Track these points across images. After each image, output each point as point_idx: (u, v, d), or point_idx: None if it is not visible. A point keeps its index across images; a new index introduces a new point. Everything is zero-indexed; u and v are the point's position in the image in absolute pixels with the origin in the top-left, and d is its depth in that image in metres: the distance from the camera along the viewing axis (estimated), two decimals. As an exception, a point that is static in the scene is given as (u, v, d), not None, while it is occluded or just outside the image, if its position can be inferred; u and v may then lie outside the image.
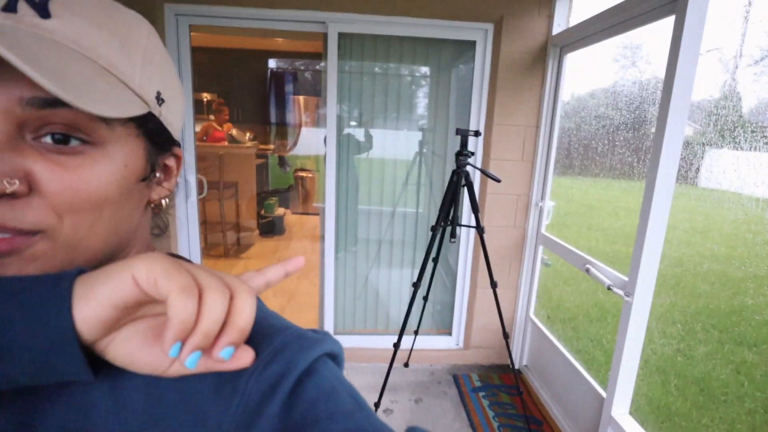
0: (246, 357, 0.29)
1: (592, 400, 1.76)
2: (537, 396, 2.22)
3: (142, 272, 0.25)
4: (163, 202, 0.41)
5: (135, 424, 0.32)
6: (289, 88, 5.92)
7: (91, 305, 0.25)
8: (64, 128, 0.29)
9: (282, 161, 6.14)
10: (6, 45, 0.24)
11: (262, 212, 4.92)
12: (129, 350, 0.28)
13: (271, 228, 4.94)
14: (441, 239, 2.04)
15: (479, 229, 1.86)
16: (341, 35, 2.20)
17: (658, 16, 1.42)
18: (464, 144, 1.83)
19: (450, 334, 2.64)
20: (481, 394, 2.25)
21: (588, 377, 1.83)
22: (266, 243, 4.76)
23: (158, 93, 0.35)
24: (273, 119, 5.96)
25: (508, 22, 2.09)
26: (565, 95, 2.19)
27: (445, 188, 1.88)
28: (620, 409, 1.55)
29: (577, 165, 2.47)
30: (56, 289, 0.25)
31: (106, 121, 0.31)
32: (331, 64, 2.22)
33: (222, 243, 4.39)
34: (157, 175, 0.39)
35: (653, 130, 2.04)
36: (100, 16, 0.32)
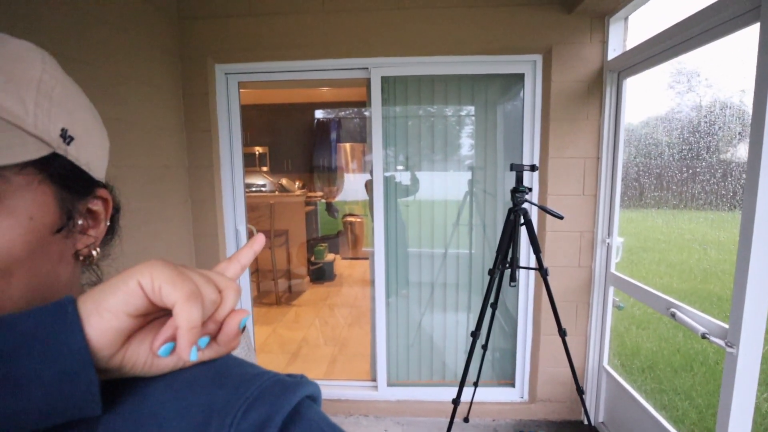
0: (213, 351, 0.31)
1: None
2: (623, 462, 1.93)
3: (147, 279, 0.26)
4: (93, 252, 0.37)
5: None
6: (334, 136, 6.11)
7: (106, 317, 0.25)
8: None
9: (330, 207, 6.24)
10: None
11: (312, 258, 4.96)
12: (146, 353, 0.28)
13: (321, 274, 4.94)
14: (500, 283, 1.89)
15: (542, 271, 1.71)
16: (384, 79, 2.22)
17: (738, 25, 1.28)
18: (520, 180, 1.72)
19: (513, 385, 2.40)
20: (554, 458, 1.99)
21: (686, 442, 1.55)
22: (317, 289, 4.75)
23: (63, 130, 0.32)
24: (320, 167, 6.13)
25: (558, 51, 2.01)
26: (632, 116, 2.04)
27: (501, 228, 1.76)
28: (737, 486, 1.28)
29: (643, 196, 2.26)
30: (61, 313, 0.24)
31: None
32: (376, 109, 2.23)
33: (273, 291, 4.42)
34: (79, 222, 0.35)
35: (727, 155, 1.82)
36: None
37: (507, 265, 1.78)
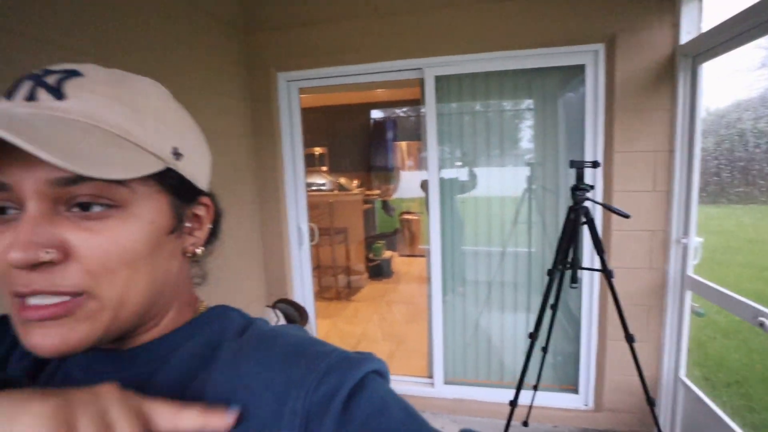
0: None
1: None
2: (701, 481, 1.78)
3: None
4: (197, 250, 0.43)
5: None
6: (390, 135, 6.17)
7: None
8: (89, 198, 0.32)
9: (386, 206, 6.31)
10: (24, 136, 0.27)
11: (371, 256, 5.06)
12: None
13: (379, 271, 5.03)
14: (560, 284, 1.81)
15: (606, 272, 1.62)
16: (437, 78, 2.21)
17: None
18: (580, 177, 1.64)
19: (576, 391, 2.30)
20: (622, 470, 1.87)
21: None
22: (375, 286, 4.84)
23: (174, 148, 0.38)
24: (377, 166, 6.23)
25: (623, 38, 1.88)
26: (710, 102, 1.86)
27: (561, 226, 1.69)
28: None
29: (728, 191, 2.05)
30: None
31: (126, 184, 0.34)
32: (430, 108, 2.23)
33: (334, 286, 4.57)
34: (187, 225, 0.41)
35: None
36: (111, 89, 0.35)
37: (568, 266, 1.71)
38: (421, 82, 2.24)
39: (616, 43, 1.89)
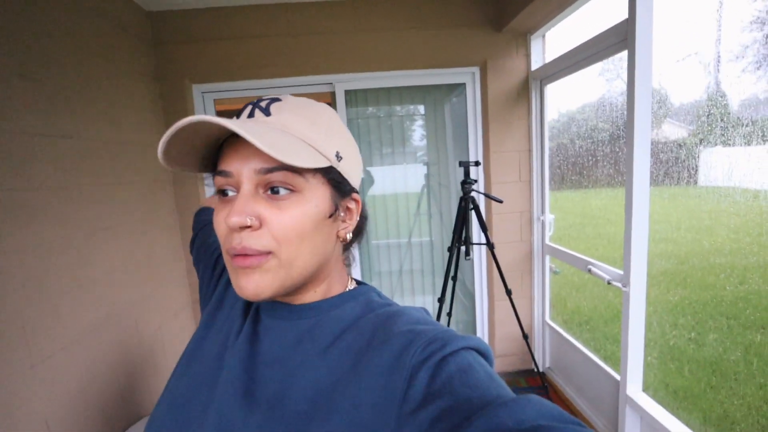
0: None
1: (610, 385, 1.94)
2: (562, 392, 2.40)
3: None
4: (348, 236, 0.55)
5: (337, 376, 0.46)
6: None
7: None
8: (279, 183, 0.46)
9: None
10: (250, 133, 0.40)
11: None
12: None
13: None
14: (457, 259, 2.28)
15: (490, 245, 2.11)
16: (347, 92, 2.54)
17: (614, 51, 1.73)
18: (467, 173, 2.11)
19: (475, 347, 2.81)
20: (511, 397, 2.42)
21: (604, 366, 2.02)
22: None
23: (337, 152, 0.50)
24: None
25: (492, 64, 2.42)
26: (554, 114, 2.48)
27: (454, 214, 2.14)
28: (634, 387, 1.74)
29: (570, 179, 2.73)
30: None
31: (303, 174, 0.46)
32: (341, 116, 2.54)
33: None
34: (341, 214, 0.53)
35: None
36: (299, 110, 0.50)
37: (462, 243, 2.18)
38: (332, 95, 2.55)
39: (487, 67, 2.42)
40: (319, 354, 0.49)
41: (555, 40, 2.42)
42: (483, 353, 0.44)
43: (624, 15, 1.61)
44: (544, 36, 2.40)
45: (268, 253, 0.46)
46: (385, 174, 2.74)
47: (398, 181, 2.77)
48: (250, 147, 0.46)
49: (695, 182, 2.87)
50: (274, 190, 0.46)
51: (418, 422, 0.37)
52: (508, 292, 2.10)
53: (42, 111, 1.46)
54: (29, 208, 1.35)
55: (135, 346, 1.91)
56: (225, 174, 0.47)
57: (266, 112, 0.48)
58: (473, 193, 2.11)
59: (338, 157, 0.50)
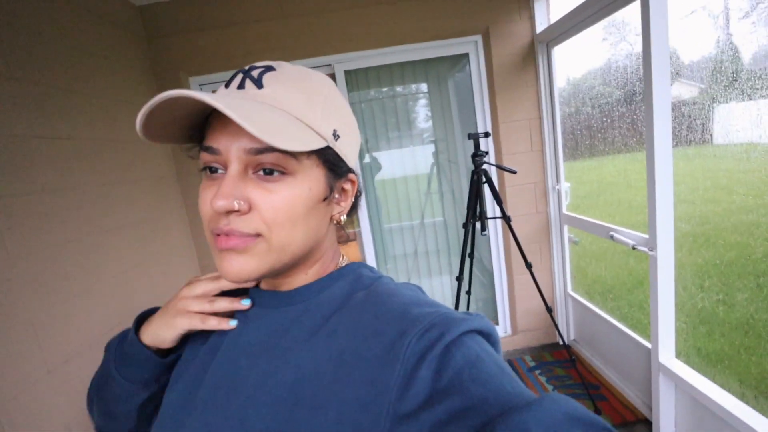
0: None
1: (640, 354, 1.88)
2: (589, 364, 2.35)
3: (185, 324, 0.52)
4: (342, 218, 0.53)
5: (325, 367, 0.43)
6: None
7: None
8: (270, 165, 0.42)
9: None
10: (237, 113, 0.36)
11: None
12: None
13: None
14: (473, 235, 2.22)
15: (506, 218, 2.04)
16: (347, 72, 2.46)
17: (624, 3, 1.62)
18: (477, 146, 2.03)
19: (497, 323, 2.78)
20: (537, 372, 2.38)
21: (633, 335, 1.96)
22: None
23: (334, 131, 0.46)
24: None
25: (494, 30, 2.32)
26: (561, 82, 2.38)
27: (466, 191, 2.07)
28: (667, 354, 1.68)
29: (585, 147, 2.63)
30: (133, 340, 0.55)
31: (296, 156, 0.43)
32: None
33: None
34: (336, 196, 0.50)
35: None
36: (294, 82, 0.45)
37: (477, 218, 2.11)
38: (332, 77, 2.47)
39: (490, 35, 2.32)
40: (306, 339, 0.45)
41: (559, 1, 2.30)
42: (486, 334, 0.41)
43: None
44: (548, -4, 2.29)
45: (257, 235, 0.43)
46: (393, 158, 2.68)
47: (407, 164, 2.71)
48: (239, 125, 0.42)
49: (711, 141, 2.75)
50: (264, 171, 0.43)
51: (420, 424, 0.34)
52: (528, 266, 2.03)
53: (36, 112, 1.42)
54: (32, 213, 1.32)
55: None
56: (212, 151, 0.43)
57: (258, 83, 0.44)
58: (485, 166, 2.04)
59: (335, 136, 0.47)
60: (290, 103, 0.44)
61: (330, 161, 0.47)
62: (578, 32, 2.05)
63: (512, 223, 2.08)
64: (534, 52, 2.33)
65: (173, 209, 2.34)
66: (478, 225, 2.15)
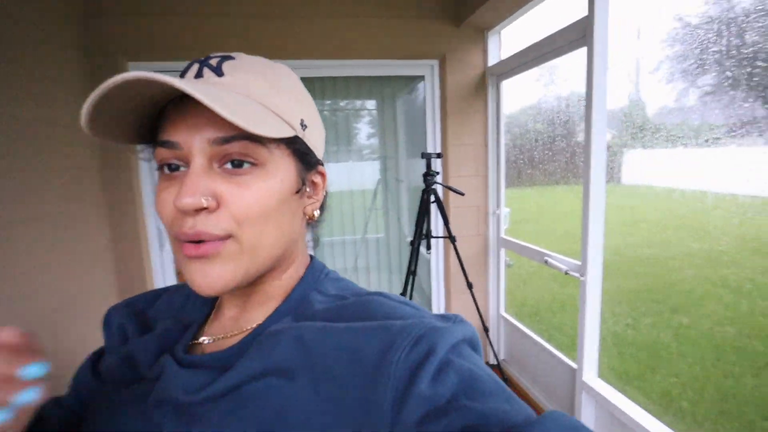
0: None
1: (565, 373, 2.01)
2: (518, 383, 2.46)
3: None
4: (315, 213, 0.50)
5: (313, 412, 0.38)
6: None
7: None
8: (239, 155, 0.39)
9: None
10: (204, 94, 0.34)
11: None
12: None
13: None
14: (417, 253, 2.25)
15: (452, 238, 2.11)
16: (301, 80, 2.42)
17: (572, 48, 1.78)
18: (429, 165, 2.08)
19: (431, 341, 2.82)
20: (469, 390, 2.44)
21: (560, 355, 2.09)
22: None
23: (302, 120, 0.45)
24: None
25: (450, 57, 2.42)
26: (511, 110, 2.54)
27: (407, 209, 2.11)
28: (590, 374, 1.81)
29: (524, 176, 2.82)
30: None
31: (266, 145, 0.40)
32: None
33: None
34: (307, 189, 0.48)
35: (578, 138, 2.43)
36: (257, 70, 0.43)
37: (424, 237, 2.15)
38: (286, 82, 2.41)
39: (446, 60, 2.42)
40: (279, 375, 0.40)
41: (510, 37, 2.47)
42: (473, 343, 0.39)
43: (577, 16, 1.67)
44: (500, 33, 2.44)
45: (227, 237, 0.39)
46: (338, 171, 2.67)
47: (352, 178, 2.71)
48: (202, 113, 0.38)
49: (619, 181, 3.09)
50: (233, 164, 0.40)
51: None
52: (470, 285, 2.10)
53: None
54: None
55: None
56: (170, 145, 0.40)
57: (218, 71, 0.41)
58: (435, 186, 2.10)
59: (303, 126, 0.45)
60: (255, 90, 0.41)
61: (300, 151, 0.45)
62: (526, 70, 2.20)
63: (456, 244, 2.14)
64: (485, 83, 2.46)
65: (92, 204, 2.10)
66: (423, 242, 2.18)
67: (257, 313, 0.48)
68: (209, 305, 0.53)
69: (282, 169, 0.43)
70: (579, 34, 1.69)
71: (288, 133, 0.42)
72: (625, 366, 2.53)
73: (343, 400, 0.36)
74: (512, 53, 2.20)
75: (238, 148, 0.39)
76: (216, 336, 0.48)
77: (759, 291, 2.75)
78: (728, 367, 2.33)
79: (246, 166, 0.40)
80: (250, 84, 0.41)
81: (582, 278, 1.77)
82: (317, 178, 0.50)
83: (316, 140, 0.48)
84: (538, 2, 2.04)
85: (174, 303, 0.55)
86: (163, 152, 0.40)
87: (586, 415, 1.82)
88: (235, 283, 0.40)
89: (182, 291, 0.57)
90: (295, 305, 0.47)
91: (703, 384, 2.23)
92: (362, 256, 2.78)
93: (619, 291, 3.41)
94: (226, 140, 0.38)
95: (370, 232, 2.77)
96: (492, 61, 2.43)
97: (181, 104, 0.40)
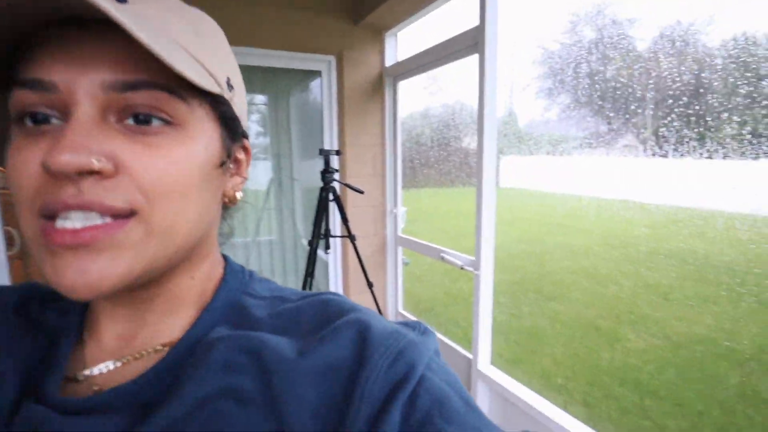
0: None
1: (462, 363, 2.11)
2: (417, 377, 2.52)
3: None
4: (238, 195, 0.41)
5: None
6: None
7: None
8: (147, 109, 0.29)
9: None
10: (112, 11, 0.24)
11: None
12: None
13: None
14: (316, 252, 2.17)
15: (351, 237, 2.06)
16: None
17: (465, 54, 1.87)
18: (327, 162, 2.01)
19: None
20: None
21: (456, 346, 2.19)
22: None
23: (228, 79, 0.35)
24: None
25: (348, 55, 2.38)
26: (403, 114, 2.59)
27: (313, 208, 2.03)
28: (484, 362, 1.92)
29: (418, 178, 2.93)
30: None
31: (186, 100, 0.31)
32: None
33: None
34: (230, 166, 0.39)
35: (463, 144, 2.57)
36: (172, 6, 0.33)
37: (322, 236, 2.07)
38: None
39: (343, 57, 2.37)
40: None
41: (405, 40, 2.53)
42: (438, 353, 0.36)
43: (470, 24, 1.76)
44: (396, 35, 2.48)
45: (130, 214, 0.29)
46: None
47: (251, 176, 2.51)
48: (93, 46, 0.28)
49: (498, 183, 3.41)
50: (136, 119, 0.29)
51: None
52: (370, 285, 2.09)
53: None
54: None
55: None
56: (40, 86, 0.28)
57: None
58: (334, 184, 2.04)
59: (229, 86, 0.35)
60: (174, 29, 0.31)
61: (225, 117, 0.36)
62: (422, 72, 2.27)
63: (355, 243, 2.11)
64: (382, 83, 2.48)
65: None
66: (322, 242, 2.11)
67: (165, 326, 0.37)
68: (75, 318, 0.39)
69: (205, 133, 0.33)
70: (472, 41, 1.78)
71: (214, 88, 0.32)
72: (511, 351, 2.77)
73: (306, 427, 0.30)
74: (410, 55, 2.25)
75: (146, 98, 0.29)
76: (102, 364, 0.36)
77: (610, 277, 3.26)
78: (590, 344, 2.70)
79: (156, 123, 0.30)
80: (167, 19, 0.31)
81: (476, 272, 1.86)
82: (241, 155, 0.41)
83: (240, 107, 0.38)
84: (434, 8, 2.11)
85: None
86: (27, 95, 0.28)
87: (482, 400, 1.92)
88: (129, 280, 0.30)
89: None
90: (226, 312, 0.38)
91: (573, 361, 2.54)
92: (254, 259, 2.60)
93: (502, 283, 3.74)
94: (131, 86, 0.28)
95: (263, 234, 2.61)
96: (389, 62, 2.46)
97: (61, 31, 0.28)
